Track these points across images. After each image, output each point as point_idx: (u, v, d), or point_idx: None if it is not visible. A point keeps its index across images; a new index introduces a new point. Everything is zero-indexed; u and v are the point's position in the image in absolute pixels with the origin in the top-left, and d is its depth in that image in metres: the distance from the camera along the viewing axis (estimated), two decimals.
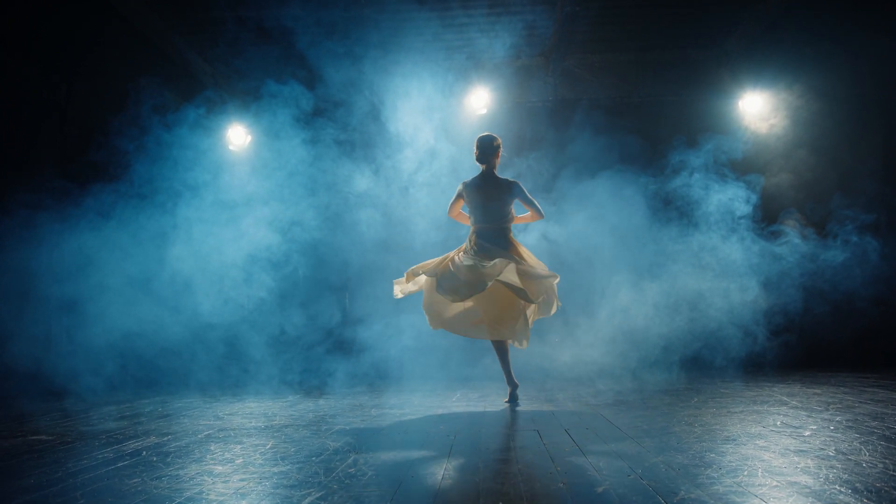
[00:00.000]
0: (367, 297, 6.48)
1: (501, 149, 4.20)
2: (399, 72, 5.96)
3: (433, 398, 4.52)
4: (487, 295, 3.86)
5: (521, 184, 4.16)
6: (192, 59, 6.71)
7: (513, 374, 4.19)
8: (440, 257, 4.09)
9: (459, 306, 4.06)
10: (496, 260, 3.81)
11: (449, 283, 3.82)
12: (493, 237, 4.05)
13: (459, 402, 4.25)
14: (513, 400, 4.14)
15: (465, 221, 4.30)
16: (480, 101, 6.71)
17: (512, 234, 4.17)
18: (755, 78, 6.60)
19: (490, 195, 4.10)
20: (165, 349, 5.91)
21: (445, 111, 6.67)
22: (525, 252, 4.14)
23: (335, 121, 6.52)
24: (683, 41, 6.81)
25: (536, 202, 4.15)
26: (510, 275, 3.73)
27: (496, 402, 4.23)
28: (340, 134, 6.48)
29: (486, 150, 4.13)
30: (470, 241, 4.10)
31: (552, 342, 6.16)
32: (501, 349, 4.15)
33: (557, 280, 4.00)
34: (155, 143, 6.00)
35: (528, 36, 6.52)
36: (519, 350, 5.93)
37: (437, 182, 6.16)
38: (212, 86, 6.99)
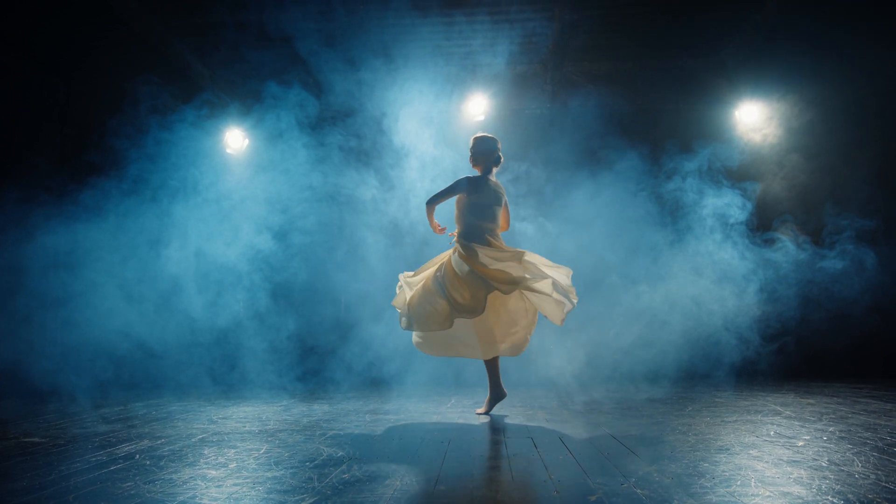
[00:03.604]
0: (362, 302, 6.47)
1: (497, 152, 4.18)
2: (399, 78, 5.98)
3: (427, 404, 4.51)
4: (492, 308, 3.79)
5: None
6: (191, 62, 6.72)
7: (501, 380, 4.00)
8: (421, 283, 3.87)
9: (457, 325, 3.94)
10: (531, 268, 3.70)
11: (465, 292, 3.64)
12: (495, 238, 3.94)
13: (454, 409, 4.25)
14: (491, 408, 3.97)
15: (432, 219, 4.13)
16: (478, 108, 6.74)
17: None
18: (752, 87, 6.64)
19: (493, 196, 4.02)
20: (158, 351, 5.89)
21: (445, 118, 6.69)
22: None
23: (335, 126, 6.53)
24: (681, 50, 6.85)
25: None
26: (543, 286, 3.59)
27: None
28: (340, 139, 6.49)
29: (493, 151, 4.11)
30: (467, 243, 3.86)
31: (546, 349, 6.17)
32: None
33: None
34: (152, 144, 6.00)
35: (527, 44, 6.55)
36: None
37: (438, 189, 6.15)
38: (211, 89, 6.99)
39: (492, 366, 4.00)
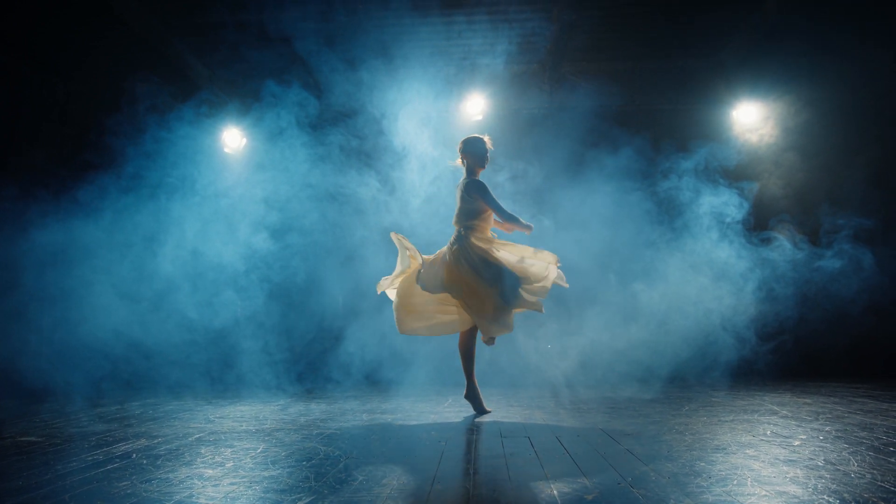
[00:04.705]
0: (361, 302, 6.47)
1: (476, 150, 4.10)
2: (398, 79, 5.98)
3: (425, 404, 4.51)
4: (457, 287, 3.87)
5: (475, 182, 3.99)
6: (191, 61, 6.72)
7: (475, 380, 4.04)
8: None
9: (430, 300, 4.00)
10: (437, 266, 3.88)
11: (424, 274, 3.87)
12: (453, 239, 3.99)
13: (451, 408, 4.25)
14: (480, 411, 3.98)
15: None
16: (476, 108, 6.75)
17: (473, 235, 3.96)
18: (750, 87, 6.66)
19: (457, 196, 4.09)
20: (155, 350, 5.88)
21: (444, 118, 6.70)
22: (501, 254, 3.94)
23: (335, 126, 6.53)
24: (681, 50, 6.86)
25: (492, 204, 3.97)
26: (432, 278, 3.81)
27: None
28: (339, 139, 6.50)
29: (462, 149, 4.13)
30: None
31: (545, 349, 6.17)
32: (467, 350, 4.04)
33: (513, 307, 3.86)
34: (151, 143, 6.00)
35: (526, 44, 6.57)
36: (513, 352, 5.96)
37: (438, 191, 6.16)
38: (210, 89, 6.99)
39: (466, 361, 4.04)
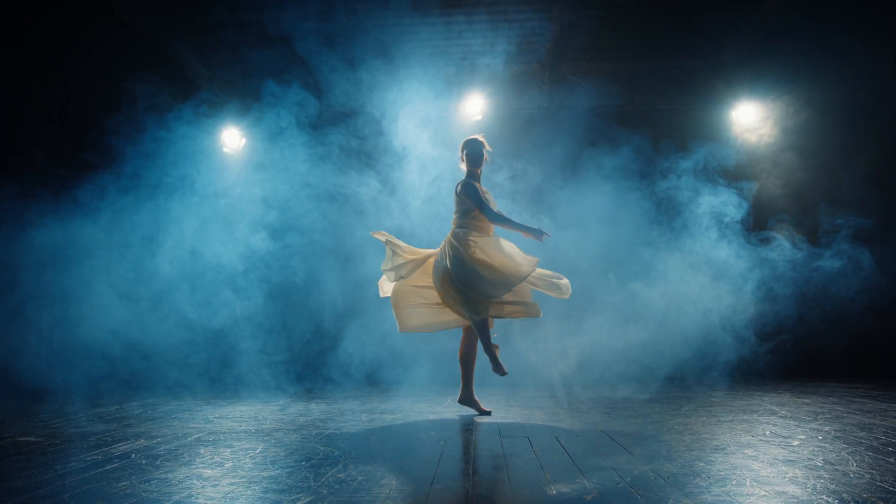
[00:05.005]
0: (360, 302, 6.47)
1: (471, 150, 4.09)
2: (398, 79, 5.98)
3: (424, 404, 4.52)
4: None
5: (464, 182, 4.01)
6: (191, 61, 6.71)
7: (472, 386, 4.05)
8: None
9: (426, 299, 4.03)
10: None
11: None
12: (446, 237, 4.03)
13: (450, 409, 4.25)
14: (481, 412, 4.00)
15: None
16: (476, 108, 6.75)
17: (461, 235, 3.89)
18: (749, 87, 6.67)
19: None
20: (153, 350, 5.89)
21: (444, 118, 6.70)
22: (486, 255, 3.85)
23: (334, 126, 6.53)
24: (681, 50, 6.86)
25: (481, 206, 3.92)
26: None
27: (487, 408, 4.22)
28: (339, 139, 6.49)
29: (461, 150, 4.16)
30: None
31: (544, 349, 6.17)
32: (467, 357, 4.04)
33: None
34: (151, 143, 6.00)
35: (526, 44, 6.57)
36: (512, 352, 5.95)
37: (438, 191, 6.16)
38: (210, 89, 6.99)
39: (465, 366, 4.04)
